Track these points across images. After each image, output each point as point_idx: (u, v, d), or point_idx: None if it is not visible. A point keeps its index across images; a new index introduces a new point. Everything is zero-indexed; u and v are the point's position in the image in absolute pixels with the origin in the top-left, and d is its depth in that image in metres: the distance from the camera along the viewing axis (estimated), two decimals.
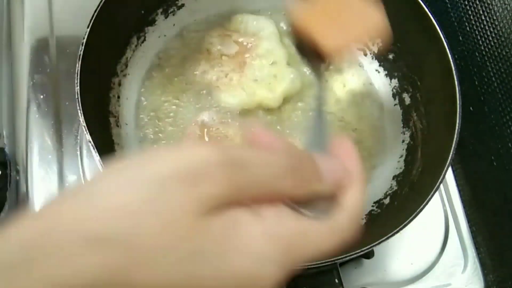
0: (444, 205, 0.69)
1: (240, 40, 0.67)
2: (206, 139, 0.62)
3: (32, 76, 0.69)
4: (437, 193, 0.53)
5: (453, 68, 0.57)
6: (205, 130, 0.62)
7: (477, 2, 0.67)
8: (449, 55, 0.57)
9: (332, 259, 0.48)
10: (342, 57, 0.44)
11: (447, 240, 0.67)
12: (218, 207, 0.24)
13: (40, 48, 0.71)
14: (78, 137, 0.66)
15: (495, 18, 0.64)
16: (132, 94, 0.64)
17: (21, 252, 0.22)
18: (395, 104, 0.67)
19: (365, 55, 0.70)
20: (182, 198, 0.23)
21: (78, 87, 0.52)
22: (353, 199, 0.29)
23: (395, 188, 0.61)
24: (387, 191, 0.61)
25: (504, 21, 0.62)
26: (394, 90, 0.67)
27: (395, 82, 0.67)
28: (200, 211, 0.23)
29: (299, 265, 0.26)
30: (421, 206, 0.51)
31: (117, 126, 0.61)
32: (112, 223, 0.22)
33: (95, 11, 0.56)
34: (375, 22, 0.47)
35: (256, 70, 0.65)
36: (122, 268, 0.22)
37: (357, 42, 0.47)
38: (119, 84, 0.63)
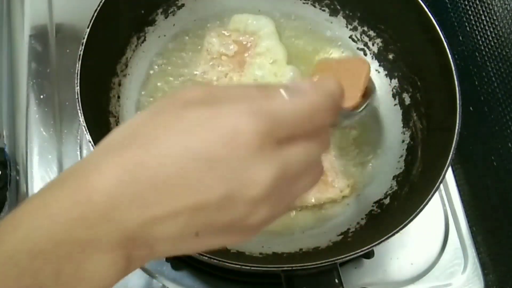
0: (444, 205, 0.69)
1: (240, 39, 0.67)
2: None
3: (32, 76, 0.69)
4: (437, 193, 0.53)
5: (453, 68, 0.57)
6: None
7: (477, 2, 0.67)
8: (449, 55, 0.57)
9: (332, 259, 0.48)
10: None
11: (447, 240, 0.67)
12: None
13: (40, 48, 0.71)
14: (78, 137, 0.66)
15: (495, 18, 0.63)
16: (132, 94, 0.64)
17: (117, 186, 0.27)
18: (395, 104, 0.67)
19: (365, 55, 0.70)
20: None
21: (78, 87, 0.52)
22: (323, 80, 0.33)
23: (395, 188, 0.61)
24: (387, 191, 0.61)
25: (504, 21, 0.62)
26: (394, 90, 0.67)
27: (395, 82, 0.67)
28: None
29: (284, 124, 0.28)
30: (421, 206, 0.51)
31: (117, 126, 0.61)
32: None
33: (95, 11, 0.56)
34: (365, 72, 0.52)
35: (256, 69, 0.65)
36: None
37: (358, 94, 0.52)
38: (119, 84, 0.63)
